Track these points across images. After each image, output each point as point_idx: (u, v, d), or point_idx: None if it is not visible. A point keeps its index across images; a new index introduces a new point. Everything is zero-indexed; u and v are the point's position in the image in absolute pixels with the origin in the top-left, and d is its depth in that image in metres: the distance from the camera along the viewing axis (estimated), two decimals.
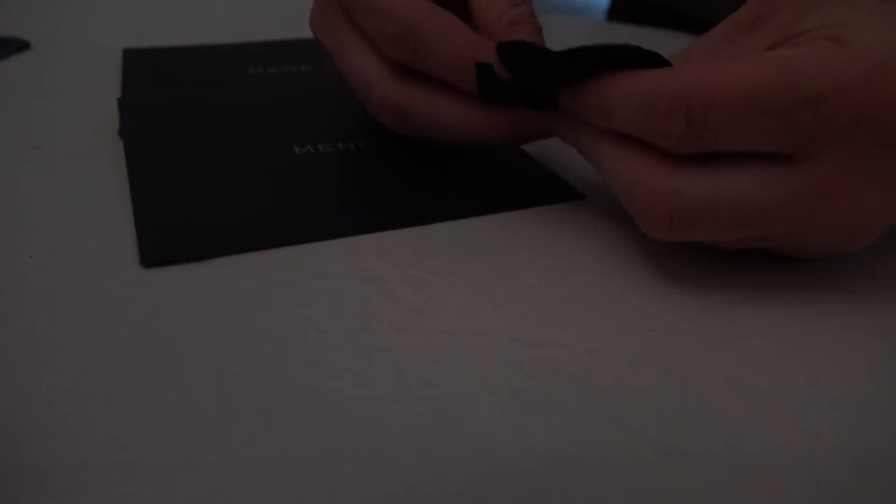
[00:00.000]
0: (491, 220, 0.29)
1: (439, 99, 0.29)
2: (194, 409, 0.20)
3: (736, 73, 0.21)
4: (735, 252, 0.27)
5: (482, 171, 0.33)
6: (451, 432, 0.20)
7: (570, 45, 0.25)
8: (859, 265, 0.27)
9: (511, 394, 0.21)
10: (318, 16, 0.33)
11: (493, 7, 0.29)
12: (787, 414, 0.21)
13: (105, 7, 0.58)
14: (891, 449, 0.20)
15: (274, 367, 0.21)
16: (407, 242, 0.28)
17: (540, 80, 0.26)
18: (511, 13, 0.29)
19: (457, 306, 0.24)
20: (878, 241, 0.28)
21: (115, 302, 0.24)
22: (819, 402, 0.21)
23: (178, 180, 0.30)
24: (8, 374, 0.21)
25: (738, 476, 0.19)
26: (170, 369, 0.21)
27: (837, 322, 0.24)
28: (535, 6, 0.30)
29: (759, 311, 0.25)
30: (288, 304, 0.24)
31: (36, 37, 0.48)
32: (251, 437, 0.19)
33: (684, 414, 0.20)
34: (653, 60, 0.24)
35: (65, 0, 0.59)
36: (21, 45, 0.47)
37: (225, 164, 0.32)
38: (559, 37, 0.29)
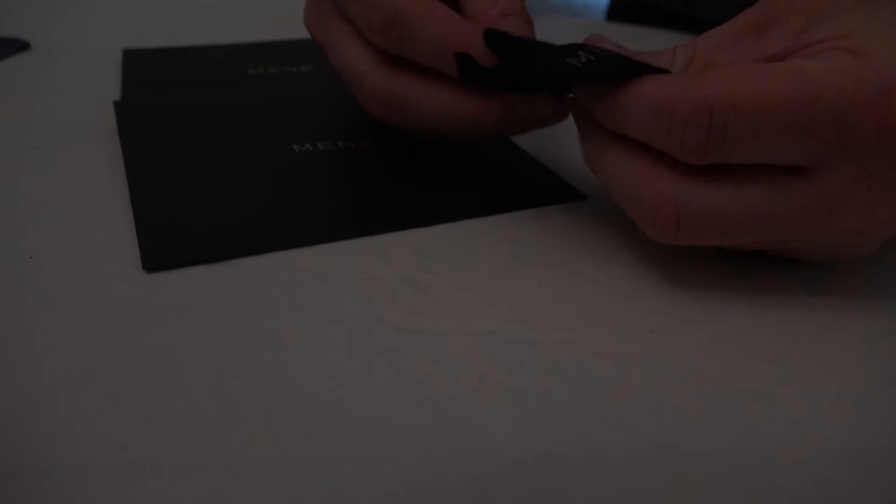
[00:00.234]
0: (491, 220, 0.29)
1: (429, 88, 0.28)
2: (194, 410, 0.20)
3: (760, 84, 0.21)
4: (736, 253, 0.27)
5: (483, 171, 0.33)
6: (450, 432, 0.20)
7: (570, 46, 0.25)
8: (859, 265, 0.27)
9: (511, 394, 0.21)
10: (311, 12, 0.33)
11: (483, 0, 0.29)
12: (787, 414, 0.21)
13: (105, 7, 0.58)
14: (890, 449, 0.20)
15: (274, 368, 0.21)
16: (406, 243, 0.28)
17: (526, 70, 0.26)
18: (500, 4, 0.29)
19: (456, 306, 0.24)
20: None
21: (115, 302, 0.24)
22: (819, 402, 0.21)
23: (178, 183, 0.30)
24: (8, 374, 0.21)
25: (738, 476, 0.19)
26: (170, 370, 0.21)
27: (837, 322, 0.24)
28: (534, 6, 0.30)
29: (760, 311, 0.25)
30: (288, 304, 0.24)
31: (36, 37, 0.48)
32: (251, 438, 0.19)
33: (684, 414, 0.20)
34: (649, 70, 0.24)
35: (65, 0, 0.59)
36: (21, 46, 0.47)
37: (224, 166, 0.32)
38: (559, 37, 0.29)
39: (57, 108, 0.38)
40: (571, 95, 0.27)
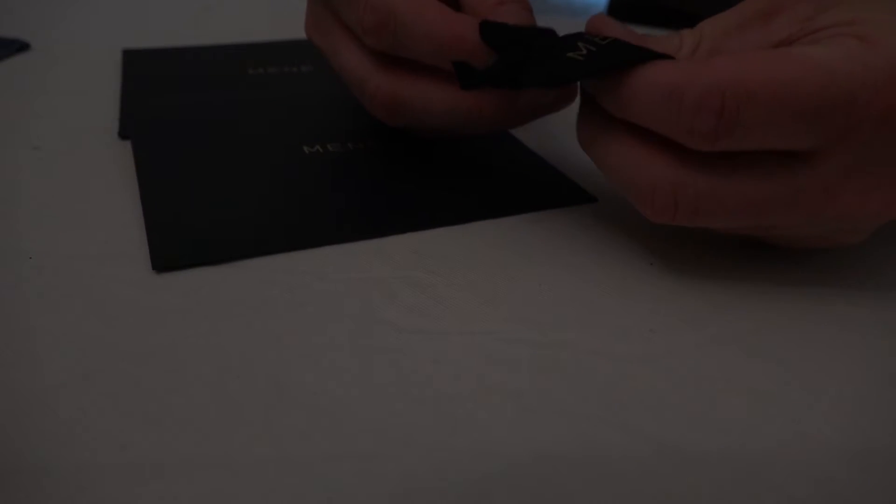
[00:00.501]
0: (494, 222, 0.29)
1: (429, 86, 0.28)
2: (195, 410, 0.20)
3: (772, 70, 0.21)
4: (734, 252, 0.27)
5: (492, 173, 0.33)
6: (450, 432, 0.20)
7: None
8: (859, 264, 0.27)
9: (511, 394, 0.21)
10: (311, 21, 0.33)
11: None
12: (787, 414, 0.21)
13: (105, 8, 0.58)
14: (891, 449, 0.20)
15: (274, 368, 0.21)
16: (407, 243, 0.28)
17: (525, 66, 0.26)
18: None
19: (456, 307, 0.24)
20: (877, 239, 0.28)
21: (115, 302, 0.24)
22: (819, 402, 0.21)
23: (186, 184, 0.30)
24: (8, 374, 0.21)
25: (738, 476, 0.19)
26: (170, 370, 0.21)
27: (838, 321, 0.24)
28: (534, 6, 0.30)
29: (760, 311, 0.25)
30: (288, 305, 0.24)
31: (36, 37, 0.48)
32: (252, 438, 0.19)
33: (684, 414, 0.20)
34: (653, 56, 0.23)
35: (65, 1, 0.59)
36: (21, 46, 0.47)
37: (232, 167, 0.32)
38: None
39: (57, 108, 0.38)
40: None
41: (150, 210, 0.28)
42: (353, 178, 0.32)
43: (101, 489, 0.17)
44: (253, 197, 0.30)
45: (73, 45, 0.49)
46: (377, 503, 0.18)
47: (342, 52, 0.31)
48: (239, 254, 0.26)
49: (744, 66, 0.21)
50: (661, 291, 0.25)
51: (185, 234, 0.27)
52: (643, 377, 0.22)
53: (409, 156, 0.34)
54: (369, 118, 0.32)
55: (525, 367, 0.22)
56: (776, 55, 0.22)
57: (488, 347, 0.23)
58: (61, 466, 0.18)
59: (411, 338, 0.23)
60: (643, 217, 0.24)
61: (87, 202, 0.29)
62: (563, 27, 0.28)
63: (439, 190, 0.31)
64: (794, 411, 0.21)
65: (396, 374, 0.21)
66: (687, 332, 0.24)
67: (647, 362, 0.22)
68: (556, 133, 0.31)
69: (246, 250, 0.26)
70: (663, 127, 0.22)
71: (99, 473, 0.18)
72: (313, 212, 0.29)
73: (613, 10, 0.72)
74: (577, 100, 0.28)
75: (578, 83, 0.27)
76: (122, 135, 0.35)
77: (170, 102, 0.39)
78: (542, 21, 0.29)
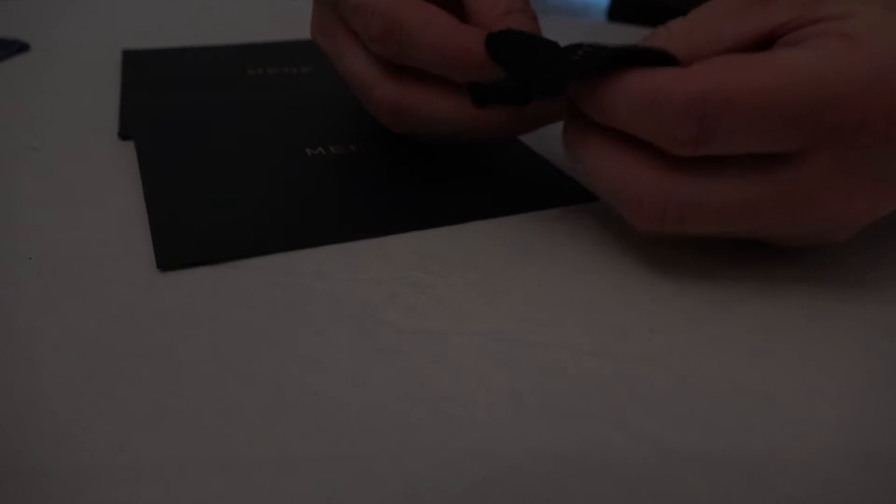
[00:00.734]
0: (494, 221, 0.29)
1: (435, 94, 0.29)
2: (194, 411, 0.20)
3: (752, 77, 0.21)
4: (733, 252, 0.27)
5: (493, 173, 0.33)
6: (450, 433, 0.20)
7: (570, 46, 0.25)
8: (859, 263, 0.27)
9: (511, 394, 0.21)
10: (317, 23, 0.33)
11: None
12: (787, 414, 0.21)
13: (104, 8, 0.58)
14: (891, 449, 0.20)
15: (274, 369, 0.21)
16: (407, 244, 0.28)
17: (531, 73, 0.26)
18: (504, 2, 0.28)
19: (456, 307, 0.24)
20: (875, 237, 0.28)
21: (114, 303, 0.24)
22: (819, 402, 0.21)
23: (189, 184, 0.30)
24: (7, 375, 0.21)
25: (738, 476, 0.19)
26: (169, 371, 0.21)
27: (838, 321, 0.24)
28: (534, 7, 0.30)
29: (760, 311, 0.25)
30: (288, 305, 0.24)
31: (35, 38, 0.48)
32: (251, 439, 0.19)
33: (684, 414, 0.20)
34: (658, 58, 0.23)
35: (64, 1, 0.59)
36: (20, 47, 0.47)
37: (235, 167, 0.32)
38: (559, 37, 0.29)
39: (56, 108, 0.38)
40: None
41: (154, 209, 0.28)
42: (353, 178, 0.32)
43: (101, 490, 0.17)
44: (254, 197, 0.30)
45: (73, 45, 0.49)
46: (377, 503, 0.18)
47: (348, 56, 0.31)
48: (242, 252, 0.26)
49: (724, 73, 0.21)
50: (660, 291, 0.25)
51: (189, 233, 0.27)
52: (643, 377, 0.22)
53: (410, 157, 0.34)
54: (369, 120, 0.32)
55: (525, 367, 0.22)
56: (756, 61, 0.22)
57: (488, 347, 0.23)
58: (60, 467, 0.18)
59: (411, 338, 0.23)
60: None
61: (87, 203, 0.29)
62: (564, 27, 0.28)
63: (440, 190, 0.31)
64: (794, 411, 0.21)
65: (396, 375, 0.21)
66: (687, 332, 0.24)
67: (647, 362, 0.22)
68: (556, 133, 0.30)
69: (248, 249, 0.26)
70: (646, 134, 0.23)
71: (98, 474, 0.18)
72: (314, 212, 0.29)
73: (614, 11, 0.72)
74: None
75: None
76: (122, 135, 0.35)
77: (169, 103, 0.39)
78: (542, 21, 0.29)
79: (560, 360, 0.22)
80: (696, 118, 0.21)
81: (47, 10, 0.56)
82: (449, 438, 0.19)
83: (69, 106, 0.39)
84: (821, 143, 0.21)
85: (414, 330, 0.23)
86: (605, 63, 0.23)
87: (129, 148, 0.34)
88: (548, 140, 0.30)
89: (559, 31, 0.29)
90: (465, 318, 0.24)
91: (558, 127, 0.28)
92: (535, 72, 0.26)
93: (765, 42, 0.24)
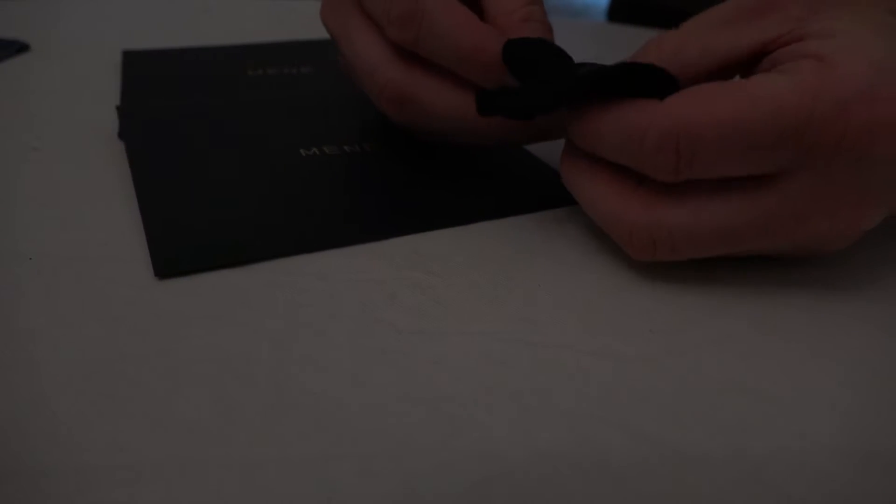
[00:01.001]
0: (494, 222, 0.29)
1: (442, 87, 0.28)
2: (194, 411, 0.20)
3: (722, 109, 0.22)
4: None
5: (490, 175, 0.33)
6: (450, 433, 0.20)
7: (572, 47, 0.25)
8: (859, 263, 0.27)
9: (511, 394, 0.21)
10: (328, 4, 0.33)
11: (506, 3, 0.29)
12: (788, 414, 0.21)
13: (104, 9, 0.58)
14: (891, 449, 0.20)
15: (274, 369, 0.21)
16: (406, 244, 0.28)
17: (539, 88, 0.26)
18: (524, 10, 0.29)
19: (456, 307, 0.24)
20: (874, 238, 0.28)
21: (114, 303, 0.24)
22: (819, 403, 0.21)
23: (185, 188, 0.30)
24: (7, 375, 0.21)
25: (738, 476, 0.19)
26: (169, 371, 0.21)
27: (838, 321, 0.24)
28: None
29: (759, 311, 0.25)
30: (288, 305, 0.24)
31: (35, 39, 0.48)
32: (251, 439, 0.19)
33: (684, 414, 0.20)
34: (657, 77, 0.24)
35: (64, 1, 0.59)
36: (20, 47, 0.47)
37: (231, 170, 0.32)
38: (559, 38, 0.29)
39: (56, 109, 0.38)
40: None
41: (148, 215, 0.28)
42: (351, 180, 0.32)
43: (101, 490, 0.17)
44: (253, 200, 0.30)
45: (73, 46, 0.49)
46: (377, 503, 0.18)
47: (357, 38, 0.30)
48: (240, 259, 0.26)
49: (695, 106, 0.22)
50: (660, 292, 0.25)
51: (186, 239, 0.27)
52: (643, 377, 0.22)
53: (410, 158, 0.34)
54: (368, 121, 0.32)
55: (525, 368, 0.22)
56: (727, 91, 0.23)
57: (488, 348, 0.23)
58: (60, 467, 0.18)
59: (411, 338, 0.23)
60: None
61: (87, 203, 0.29)
62: (564, 27, 0.28)
63: (439, 192, 0.31)
64: (794, 411, 0.21)
65: (396, 375, 0.21)
66: (687, 332, 0.24)
67: (647, 362, 0.22)
68: None
69: (247, 255, 0.26)
70: (630, 164, 0.24)
71: (98, 475, 0.18)
72: (314, 216, 0.29)
73: (614, 11, 0.72)
74: None
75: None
76: (122, 136, 0.35)
77: (169, 103, 0.39)
78: None
79: (560, 360, 0.22)
80: (673, 150, 0.22)
81: (47, 10, 0.56)
82: (449, 438, 0.19)
83: (69, 106, 0.39)
84: (801, 163, 0.22)
85: (414, 330, 0.23)
86: (604, 81, 0.23)
87: None
88: (546, 143, 0.30)
89: (559, 32, 0.29)
90: (465, 318, 0.24)
91: None
92: (544, 85, 0.26)
93: (756, 57, 0.24)
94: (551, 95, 0.25)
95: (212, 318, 0.23)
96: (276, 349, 0.22)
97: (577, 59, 0.26)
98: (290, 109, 0.38)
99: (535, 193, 0.31)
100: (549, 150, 0.35)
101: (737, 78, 0.25)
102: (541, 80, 0.26)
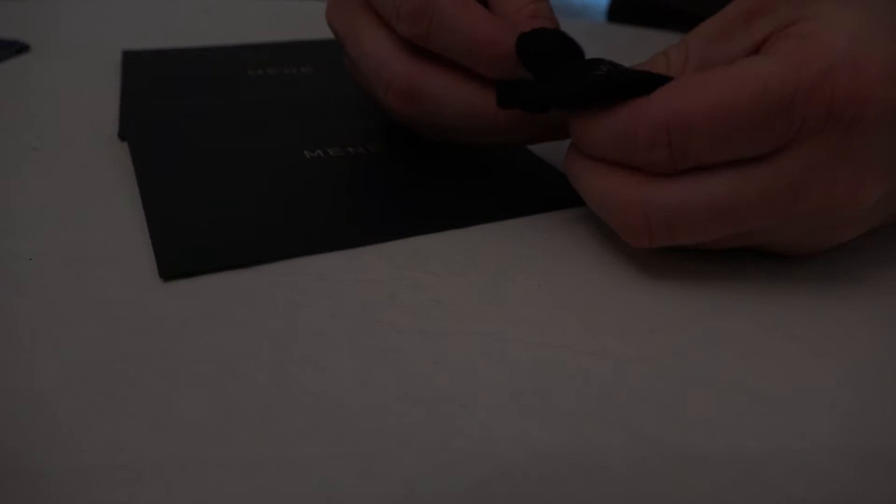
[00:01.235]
0: (495, 223, 0.29)
1: (451, 81, 0.28)
2: (194, 411, 0.20)
3: (708, 95, 0.22)
4: (735, 253, 0.27)
5: (492, 176, 0.33)
6: (451, 433, 0.20)
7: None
8: (859, 264, 0.27)
9: (511, 395, 0.21)
10: (334, 4, 0.33)
11: (513, 0, 0.29)
12: (788, 414, 0.21)
13: (104, 9, 0.58)
14: (892, 449, 0.20)
15: (274, 369, 0.21)
16: (407, 244, 0.28)
17: (553, 82, 0.26)
18: (531, 7, 0.29)
19: (456, 307, 0.24)
20: (877, 238, 0.28)
21: (114, 303, 0.24)
22: (819, 403, 0.21)
23: (188, 191, 0.30)
24: (7, 375, 0.21)
25: (738, 477, 0.19)
26: (169, 371, 0.21)
27: (838, 321, 0.24)
28: None
29: (760, 311, 0.25)
30: (288, 305, 0.24)
31: (35, 39, 0.48)
32: (251, 439, 0.19)
33: (684, 414, 0.20)
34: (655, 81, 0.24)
35: (64, 1, 0.59)
36: (20, 48, 0.47)
37: (233, 172, 0.32)
38: None
39: (56, 109, 0.38)
40: None
41: (153, 216, 0.28)
42: (355, 182, 0.32)
43: (100, 490, 0.17)
44: (257, 202, 0.30)
45: (73, 46, 0.49)
46: (377, 503, 0.18)
47: (364, 36, 0.30)
48: (244, 261, 0.26)
49: (681, 97, 0.22)
50: (660, 292, 0.25)
51: (191, 241, 0.27)
52: (643, 377, 0.22)
53: (413, 159, 0.34)
54: (370, 121, 0.32)
55: (525, 368, 0.22)
56: (712, 77, 0.22)
57: (488, 348, 0.23)
58: (60, 468, 0.18)
59: (411, 338, 0.23)
60: None
61: (87, 203, 0.29)
62: (563, 27, 0.28)
63: (442, 193, 0.31)
64: (794, 411, 0.21)
65: (396, 375, 0.21)
66: (687, 332, 0.24)
67: (647, 362, 0.22)
68: None
69: (251, 257, 0.26)
70: (627, 161, 0.24)
71: (98, 475, 0.18)
72: (317, 217, 0.29)
73: (614, 11, 0.72)
74: None
75: None
76: (122, 136, 0.35)
77: (169, 104, 0.39)
78: None
79: (560, 360, 0.22)
80: (665, 144, 0.22)
81: (47, 10, 0.56)
82: (449, 438, 0.19)
83: (69, 106, 0.39)
84: (793, 139, 0.22)
85: (414, 330, 0.23)
86: (621, 87, 0.24)
87: (129, 149, 0.34)
88: (548, 143, 0.31)
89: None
90: (465, 318, 0.24)
91: None
92: (559, 79, 0.26)
93: None
94: (571, 91, 0.25)
95: (212, 319, 0.23)
96: (276, 349, 0.22)
97: None
98: (291, 110, 0.38)
99: (538, 195, 0.31)
100: (552, 151, 0.35)
101: None
102: (562, 75, 0.26)
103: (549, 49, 0.26)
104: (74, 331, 0.22)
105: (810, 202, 0.23)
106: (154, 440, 0.19)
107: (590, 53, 0.27)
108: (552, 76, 0.26)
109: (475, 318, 0.24)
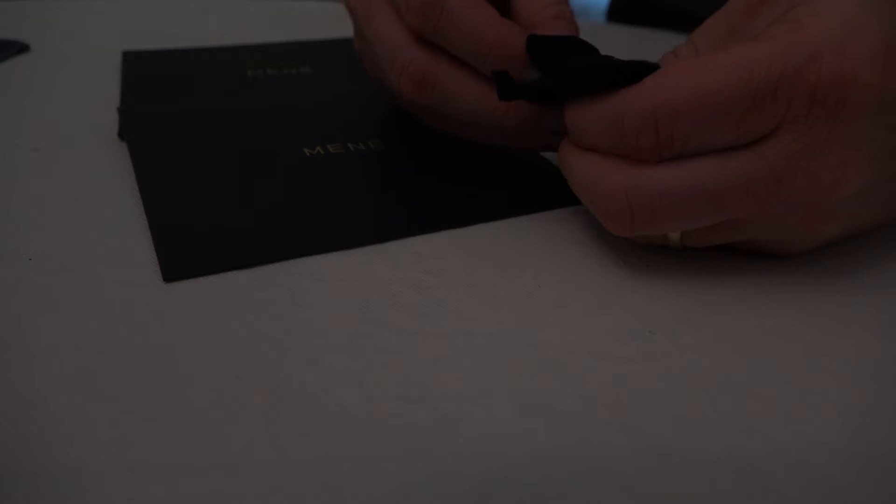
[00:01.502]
0: (494, 222, 0.29)
1: (463, 75, 0.28)
2: (195, 411, 0.20)
3: (694, 82, 0.22)
4: (732, 253, 0.27)
5: (493, 174, 0.33)
6: (450, 433, 0.20)
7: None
8: (859, 264, 0.27)
9: (511, 395, 0.21)
10: None
11: (536, 0, 0.29)
12: (788, 415, 0.21)
13: (104, 9, 0.58)
14: (892, 450, 0.20)
15: (274, 370, 0.21)
16: (406, 244, 0.28)
17: (560, 79, 0.26)
18: (554, 7, 0.29)
19: (456, 308, 0.24)
20: (876, 238, 0.28)
21: (114, 304, 0.24)
22: (819, 403, 0.21)
23: (189, 192, 0.30)
24: (7, 376, 0.21)
25: (738, 477, 0.19)
26: (169, 371, 0.21)
27: (837, 321, 0.24)
28: None
29: (759, 311, 0.25)
30: (288, 306, 0.24)
31: (35, 39, 0.48)
32: (251, 439, 0.19)
33: (684, 414, 0.20)
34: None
35: (64, 2, 0.59)
36: (21, 48, 0.47)
37: (235, 170, 0.32)
38: None
39: (56, 109, 0.38)
40: None
41: (154, 220, 0.28)
42: (355, 181, 0.32)
43: (101, 491, 0.17)
44: (257, 202, 0.30)
45: (73, 46, 0.49)
46: (377, 503, 0.18)
47: (380, 18, 0.30)
48: (245, 262, 0.26)
49: (669, 84, 0.22)
50: (660, 292, 0.25)
51: (193, 242, 0.27)
52: (643, 377, 0.22)
53: (411, 156, 0.34)
54: (371, 118, 0.32)
55: (525, 368, 0.22)
56: (700, 63, 0.22)
57: (488, 348, 0.23)
58: (60, 468, 0.18)
59: (411, 339, 0.23)
60: None
61: (88, 204, 0.29)
62: None
63: (440, 191, 0.31)
64: (794, 412, 0.21)
65: (396, 375, 0.21)
66: (686, 333, 0.24)
67: (647, 362, 0.22)
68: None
69: (252, 259, 0.26)
70: (615, 149, 0.24)
71: (98, 475, 0.18)
72: (315, 218, 0.29)
73: (614, 12, 0.72)
74: None
75: None
76: (122, 136, 0.35)
77: (169, 104, 0.39)
78: None
79: (560, 361, 0.22)
80: (653, 131, 0.22)
81: (47, 11, 0.56)
82: (449, 439, 0.19)
83: (69, 106, 0.39)
84: (778, 125, 0.22)
85: (414, 330, 0.23)
86: (611, 72, 0.24)
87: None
88: None
89: None
90: (465, 318, 0.24)
91: None
92: (566, 71, 0.26)
93: None
94: (562, 77, 0.25)
95: (212, 319, 0.23)
96: (276, 349, 0.22)
97: None
98: (291, 109, 0.38)
99: (538, 194, 0.31)
100: (549, 152, 0.35)
101: None
102: (564, 68, 0.26)
103: (560, 50, 0.26)
104: (74, 330, 0.22)
105: (793, 189, 0.23)
106: (154, 441, 0.19)
107: None
108: (564, 74, 0.26)
109: (475, 318, 0.24)
